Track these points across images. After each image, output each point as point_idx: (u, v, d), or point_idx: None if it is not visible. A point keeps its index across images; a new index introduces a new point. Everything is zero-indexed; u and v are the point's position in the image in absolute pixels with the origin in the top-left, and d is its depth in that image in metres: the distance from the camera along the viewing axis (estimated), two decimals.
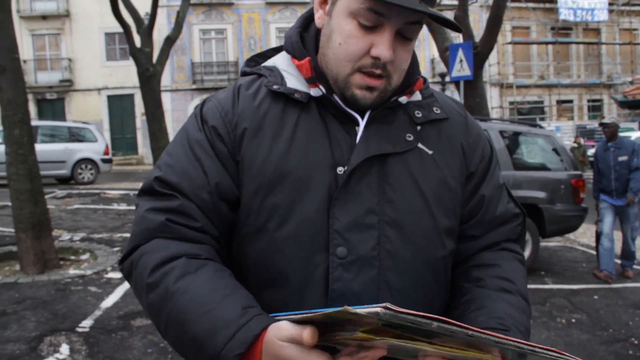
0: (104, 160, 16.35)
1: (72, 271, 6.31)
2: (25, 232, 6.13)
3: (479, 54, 10.33)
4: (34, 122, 15.36)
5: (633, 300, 5.80)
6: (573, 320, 5.15)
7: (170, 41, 14.50)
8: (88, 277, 6.08)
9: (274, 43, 26.78)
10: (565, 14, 28.49)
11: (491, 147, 1.22)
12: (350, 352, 0.82)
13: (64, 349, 4.11)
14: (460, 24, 10.88)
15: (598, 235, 6.62)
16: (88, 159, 15.98)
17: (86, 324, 4.62)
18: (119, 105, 26.36)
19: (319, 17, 1.09)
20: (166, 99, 23.44)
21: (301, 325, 0.81)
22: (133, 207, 11.34)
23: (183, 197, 1.03)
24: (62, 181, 16.12)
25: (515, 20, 28.33)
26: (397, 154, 1.06)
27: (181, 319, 0.93)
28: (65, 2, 25.83)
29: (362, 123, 1.07)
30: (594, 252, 8.14)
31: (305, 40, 1.13)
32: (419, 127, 1.10)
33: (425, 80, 1.18)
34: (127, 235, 7.19)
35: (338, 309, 0.71)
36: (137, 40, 13.75)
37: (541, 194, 6.81)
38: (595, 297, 5.92)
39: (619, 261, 6.85)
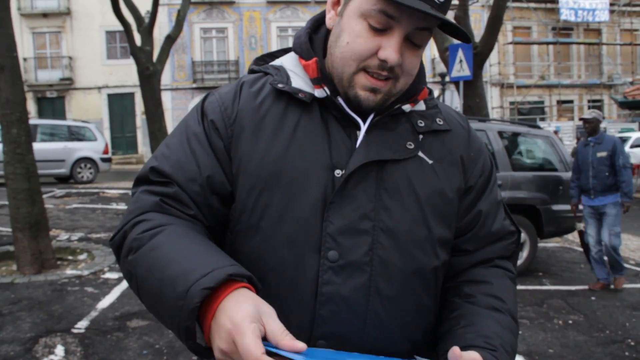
0: (104, 159, 16.35)
1: (69, 271, 6.30)
2: (22, 231, 6.13)
3: (479, 54, 10.32)
4: (34, 121, 15.41)
5: (630, 302, 5.79)
6: (570, 322, 5.15)
7: (170, 40, 14.48)
8: (85, 277, 6.07)
9: (274, 42, 26.77)
10: (566, 14, 28.45)
11: (491, 163, 1.21)
12: None
13: (59, 350, 4.11)
14: (461, 24, 10.87)
15: (586, 245, 6.37)
16: (87, 158, 15.99)
17: (82, 324, 4.61)
18: (119, 104, 26.35)
19: (330, 17, 1.10)
20: (166, 97, 23.44)
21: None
22: None
23: (177, 187, 1.04)
24: (62, 180, 16.12)
25: (516, 20, 28.29)
26: (396, 161, 1.05)
27: (162, 262, 0.91)
28: (66, 0, 25.84)
29: (364, 127, 1.06)
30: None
31: (314, 41, 1.13)
32: (421, 137, 1.10)
33: (431, 91, 1.18)
34: None
35: None
36: (138, 39, 13.73)
37: (539, 195, 6.79)
38: (593, 298, 5.91)
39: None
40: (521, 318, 4.95)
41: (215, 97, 1.11)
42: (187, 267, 0.88)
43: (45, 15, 25.74)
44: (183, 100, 26.11)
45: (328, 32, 1.11)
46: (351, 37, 1.02)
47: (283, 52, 1.20)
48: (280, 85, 1.08)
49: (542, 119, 27.54)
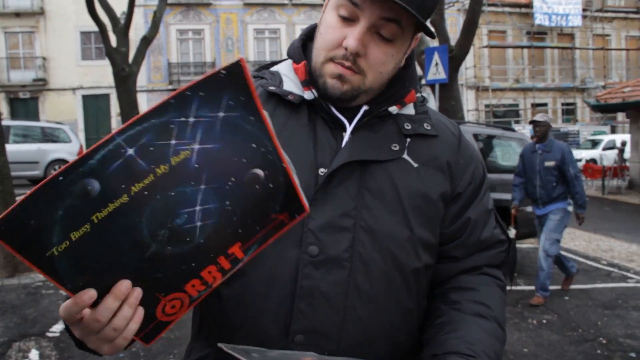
0: None
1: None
2: None
3: (455, 58, 10.44)
4: (6, 122, 15.15)
5: (602, 301, 5.91)
6: (544, 321, 5.23)
7: (146, 41, 14.37)
8: None
9: (251, 44, 26.72)
10: (540, 19, 28.92)
11: (484, 171, 1.21)
12: None
13: (34, 354, 4.05)
14: (437, 28, 10.99)
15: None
16: (61, 160, 15.75)
17: (57, 328, 4.55)
18: (94, 105, 26.01)
19: (320, 17, 1.12)
20: (142, 99, 23.20)
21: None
22: None
23: None
24: (35, 182, 15.86)
25: (491, 24, 28.65)
26: (380, 162, 1.07)
27: None
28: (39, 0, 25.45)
29: (349, 129, 1.08)
30: (565, 254, 8.27)
31: (307, 47, 1.15)
32: (408, 140, 1.11)
33: (424, 99, 1.20)
34: None
35: None
36: (113, 40, 13.60)
37: (492, 202, 6.88)
38: (566, 298, 6.02)
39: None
40: None
41: None
42: None
43: (18, 14, 25.30)
44: (159, 101, 25.86)
45: None
46: (324, 28, 1.06)
47: (279, 61, 1.23)
48: (271, 88, 1.10)
49: (517, 122, 27.91)
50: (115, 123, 24.94)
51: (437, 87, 10.11)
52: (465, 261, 1.15)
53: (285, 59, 1.22)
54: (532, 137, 6.06)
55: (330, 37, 1.04)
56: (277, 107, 1.10)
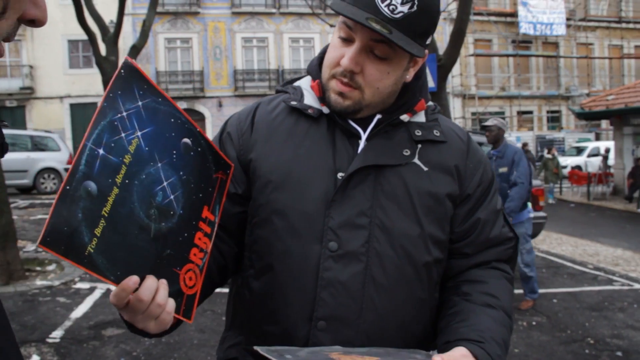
0: (67, 170, 16.08)
1: (39, 282, 6.24)
2: None
3: (443, 67, 10.58)
4: None
5: (589, 303, 6.06)
6: (534, 323, 5.37)
7: (136, 50, 14.37)
8: (56, 287, 6.03)
9: (239, 53, 26.79)
10: (525, 28, 29.31)
11: (492, 174, 1.32)
12: None
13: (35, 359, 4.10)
14: None
15: None
16: (51, 168, 15.71)
17: (56, 334, 4.60)
18: (81, 114, 25.89)
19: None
20: None
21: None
22: None
23: None
24: (24, 191, 15.79)
25: (477, 33, 29.00)
26: (393, 166, 1.18)
27: None
28: None
29: (364, 137, 1.20)
30: (553, 259, 8.46)
31: (323, 63, 1.26)
32: (419, 146, 1.22)
33: (435, 107, 1.31)
34: None
35: None
36: (102, 49, 13.62)
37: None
38: (555, 300, 6.16)
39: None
40: None
41: (236, 115, 1.31)
42: None
43: None
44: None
45: None
46: (330, 48, 1.19)
47: (303, 76, 1.35)
48: (292, 103, 1.24)
49: None
50: None
51: None
52: (476, 257, 1.26)
53: (305, 75, 1.34)
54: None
55: (331, 56, 1.17)
56: (299, 119, 1.23)
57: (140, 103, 0.91)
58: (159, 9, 22.81)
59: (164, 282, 0.92)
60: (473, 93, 28.88)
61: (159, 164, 0.93)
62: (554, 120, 31.42)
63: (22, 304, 5.39)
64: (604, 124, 27.48)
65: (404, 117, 1.23)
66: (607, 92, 20.00)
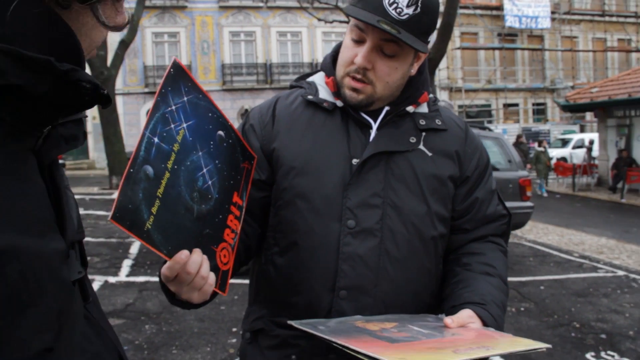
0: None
1: None
2: None
3: (431, 60, 10.75)
4: None
5: (575, 289, 6.27)
6: (522, 309, 5.55)
7: (124, 44, 14.43)
8: None
9: (227, 47, 26.76)
10: (511, 21, 29.52)
11: (487, 158, 1.48)
12: None
13: None
14: None
15: None
16: None
17: None
18: None
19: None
20: (118, 102, 23.18)
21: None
22: (87, 212, 11.19)
23: None
24: None
25: (463, 27, 29.20)
26: (401, 152, 1.33)
27: None
28: None
29: (375, 126, 1.35)
30: (540, 248, 8.68)
31: (337, 62, 1.39)
32: (423, 134, 1.37)
33: (436, 99, 1.46)
34: (85, 239, 7.20)
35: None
36: None
37: (495, 183, 7.19)
38: (542, 287, 6.36)
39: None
40: None
41: (257, 109, 1.44)
42: None
43: None
44: (135, 105, 25.78)
45: None
46: (343, 49, 1.34)
47: (315, 72, 1.49)
48: (309, 97, 1.38)
49: (490, 122, 28.47)
50: (91, 126, 24.76)
51: None
52: (474, 232, 1.42)
53: (318, 71, 1.48)
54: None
55: (345, 56, 1.31)
56: (316, 111, 1.37)
57: (185, 98, 1.03)
58: (147, 3, 22.74)
59: (206, 258, 1.04)
60: (460, 86, 29.10)
61: (200, 153, 1.06)
62: (540, 112, 31.76)
63: None
64: (589, 116, 27.85)
65: (410, 109, 1.37)
66: (591, 84, 20.27)
